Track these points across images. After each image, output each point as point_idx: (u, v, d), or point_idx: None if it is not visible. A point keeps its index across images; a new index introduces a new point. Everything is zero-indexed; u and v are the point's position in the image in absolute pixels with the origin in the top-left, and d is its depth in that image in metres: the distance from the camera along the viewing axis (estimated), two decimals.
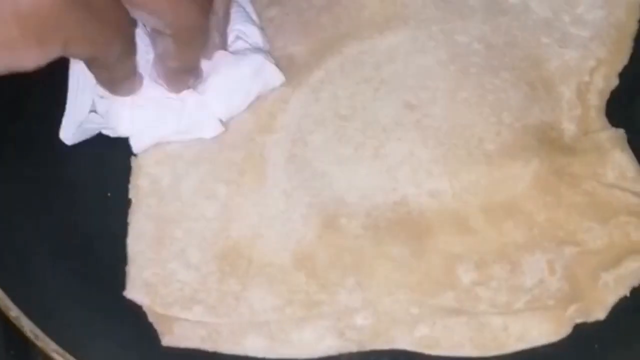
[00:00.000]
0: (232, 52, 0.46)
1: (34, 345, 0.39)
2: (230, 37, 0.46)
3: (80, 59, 0.40)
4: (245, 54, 0.46)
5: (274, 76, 0.46)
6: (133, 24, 0.40)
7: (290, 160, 0.45)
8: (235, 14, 0.46)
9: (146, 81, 0.44)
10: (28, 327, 0.39)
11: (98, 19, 0.36)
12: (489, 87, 0.46)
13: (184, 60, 0.43)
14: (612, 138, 0.45)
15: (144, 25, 0.42)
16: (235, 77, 0.45)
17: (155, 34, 0.41)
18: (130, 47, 0.41)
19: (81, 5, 0.35)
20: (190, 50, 0.42)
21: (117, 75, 0.42)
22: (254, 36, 0.47)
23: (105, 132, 0.46)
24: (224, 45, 0.46)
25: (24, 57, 0.35)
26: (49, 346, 0.37)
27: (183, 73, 0.44)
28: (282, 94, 0.47)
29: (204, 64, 0.45)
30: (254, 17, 0.48)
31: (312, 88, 0.47)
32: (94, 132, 0.47)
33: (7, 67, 0.35)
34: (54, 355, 0.37)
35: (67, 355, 0.37)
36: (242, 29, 0.46)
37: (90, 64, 0.41)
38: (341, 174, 0.44)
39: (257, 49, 0.46)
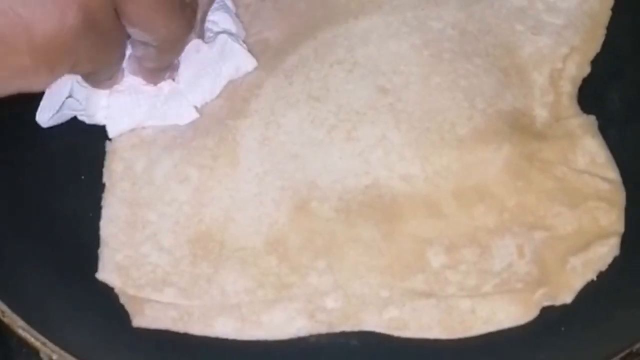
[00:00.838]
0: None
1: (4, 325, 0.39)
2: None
3: (80, 74, 0.42)
4: (210, 37, 0.46)
5: (246, 60, 0.47)
6: (127, 36, 0.41)
7: (263, 144, 0.45)
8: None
9: (126, 72, 0.44)
10: None
11: (103, 40, 0.37)
12: (462, 72, 0.46)
13: (162, 62, 0.44)
14: (583, 124, 0.45)
15: None
16: (203, 60, 0.45)
17: (138, 43, 0.42)
18: (122, 57, 0.42)
19: (90, 31, 0.36)
20: (170, 55, 0.43)
21: (104, 78, 0.43)
22: (226, 23, 0.47)
23: (81, 118, 0.46)
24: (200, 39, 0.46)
25: (35, 81, 0.36)
26: (16, 323, 0.37)
27: (159, 71, 0.45)
28: (256, 79, 0.47)
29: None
30: (229, 4, 0.48)
31: (285, 73, 0.47)
32: (70, 117, 0.47)
33: (16, 90, 0.36)
34: (20, 332, 0.37)
35: (33, 331, 0.37)
36: (213, 19, 0.47)
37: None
38: (314, 157, 0.44)
39: (225, 33, 0.46)
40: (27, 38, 0.34)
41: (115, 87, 0.44)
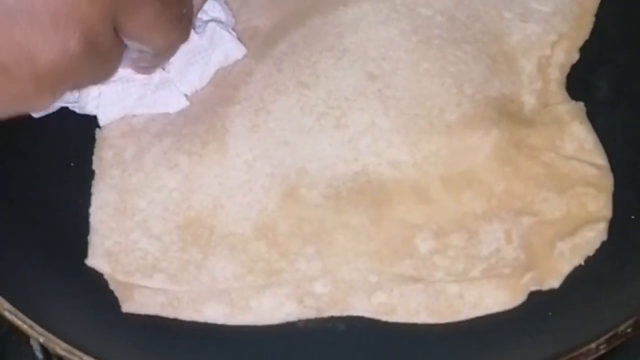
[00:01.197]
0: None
1: None
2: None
3: (80, 89, 0.42)
4: (200, 26, 0.46)
5: (235, 48, 0.47)
6: (125, 46, 0.41)
7: (252, 130, 0.45)
8: None
9: None
10: None
11: (103, 59, 0.37)
12: (450, 58, 0.46)
13: (156, 64, 0.44)
14: (571, 111, 0.46)
15: None
16: (193, 49, 0.45)
17: (134, 49, 0.42)
18: (119, 65, 0.42)
19: (92, 54, 0.35)
20: (165, 59, 0.44)
21: (100, 84, 0.44)
22: (215, 11, 0.47)
23: (72, 108, 0.46)
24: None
25: (36, 105, 0.36)
26: (2, 305, 0.37)
27: (152, 68, 0.45)
28: (246, 66, 0.47)
29: None
30: None
31: (275, 60, 0.47)
32: (60, 106, 0.47)
33: (17, 113, 0.36)
34: (7, 314, 0.37)
35: (20, 314, 0.37)
36: (203, 7, 0.47)
37: None
38: (303, 144, 0.44)
39: (214, 21, 0.46)
40: (29, 67, 0.34)
41: None
